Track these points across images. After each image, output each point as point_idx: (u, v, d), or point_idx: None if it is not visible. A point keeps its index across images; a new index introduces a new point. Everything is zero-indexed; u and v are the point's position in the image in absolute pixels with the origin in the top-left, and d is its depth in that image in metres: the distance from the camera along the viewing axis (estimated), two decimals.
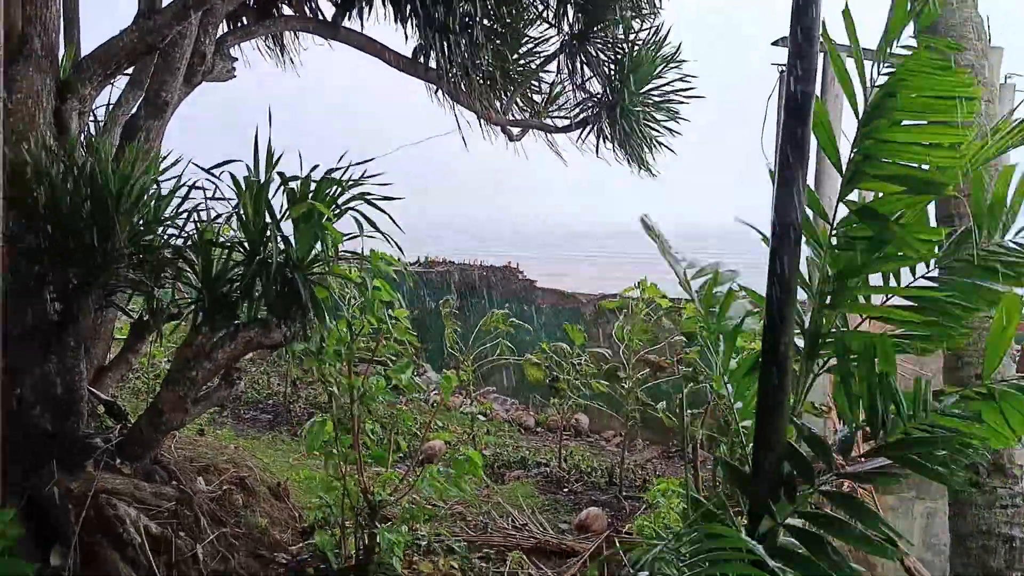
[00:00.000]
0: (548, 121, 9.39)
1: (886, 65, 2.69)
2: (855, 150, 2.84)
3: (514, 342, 9.90)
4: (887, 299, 3.21)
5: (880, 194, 2.99)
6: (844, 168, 2.90)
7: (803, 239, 2.81)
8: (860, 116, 2.79)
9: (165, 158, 5.59)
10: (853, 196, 3.04)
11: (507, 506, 7.07)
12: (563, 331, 9.68)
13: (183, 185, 5.17)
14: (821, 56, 4.47)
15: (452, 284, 14.01)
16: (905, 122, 2.76)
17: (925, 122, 2.80)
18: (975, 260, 3.01)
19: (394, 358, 5.76)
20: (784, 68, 4.21)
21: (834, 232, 3.02)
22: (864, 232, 3.01)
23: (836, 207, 2.98)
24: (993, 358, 3.08)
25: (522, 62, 8.83)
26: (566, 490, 8.27)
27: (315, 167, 4.85)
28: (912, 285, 3.14)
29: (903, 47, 2.74)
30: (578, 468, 8.99)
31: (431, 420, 6.29)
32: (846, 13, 2.73)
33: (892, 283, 3.23)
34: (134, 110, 5.85)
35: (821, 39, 2.81)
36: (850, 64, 2.82)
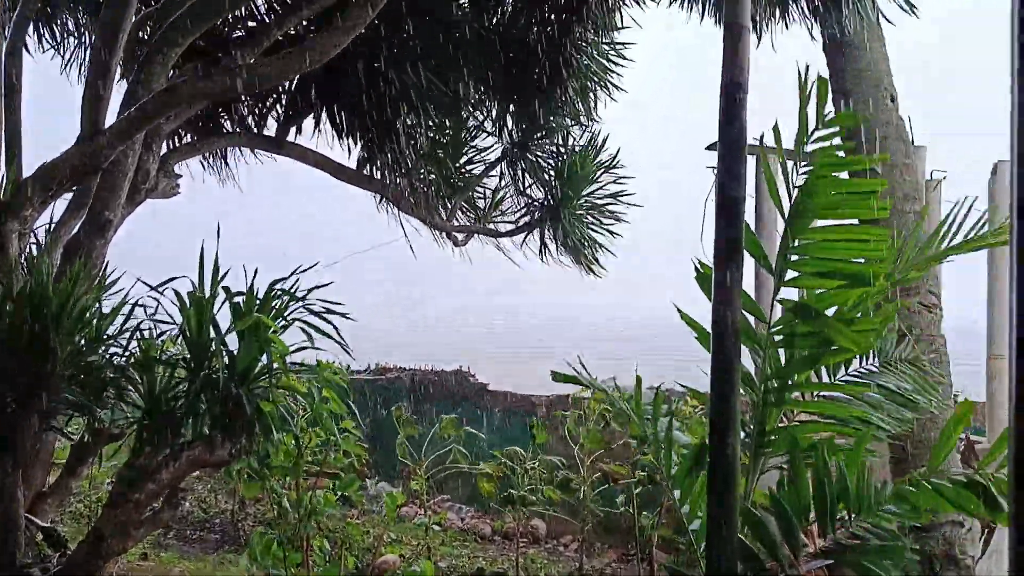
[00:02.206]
0: (492, 226, 9.54)
1: (804, 166, 2.80)
2: (784, 249, 2.93)
3: (468, 447, 9.79)
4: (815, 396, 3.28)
5: (817, 291, 3.07)
6: (774, 267, 2.98)
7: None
8: (786, 217, 2.89)
9: (108, 276, 5.56)
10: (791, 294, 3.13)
11: None
12: (517, 434, 9.60)
13: (126, 303, 5.12)
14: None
15: (404, 390, 13.89)
16: (824, 221, 2.88)
17: (844, 221, 2.91)
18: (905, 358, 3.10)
19: (343, 471, 5.67)
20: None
21: (773, 331, 3.08)
22: (803, 328, 3.08)
23: (772, 306, 3.05)
24: (939, 455, 3.16)
25: (465, 170, 9.02)
26: None
27: (257, 272, 4.86)
28: (841, 380, 3.21)
29: (825, 151, 2.87)
30: None
31: (383, 534, 6.15)
32: (775, 129, 2.86)
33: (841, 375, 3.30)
34: (76, 229, 5.82)
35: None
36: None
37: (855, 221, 3.06)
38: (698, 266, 3.03)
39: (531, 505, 9.12)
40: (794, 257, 2.95)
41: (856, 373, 3.27)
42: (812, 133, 2.77)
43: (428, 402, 13.68)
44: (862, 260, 3.01)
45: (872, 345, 3.17)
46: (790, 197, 2.87)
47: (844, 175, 2.89)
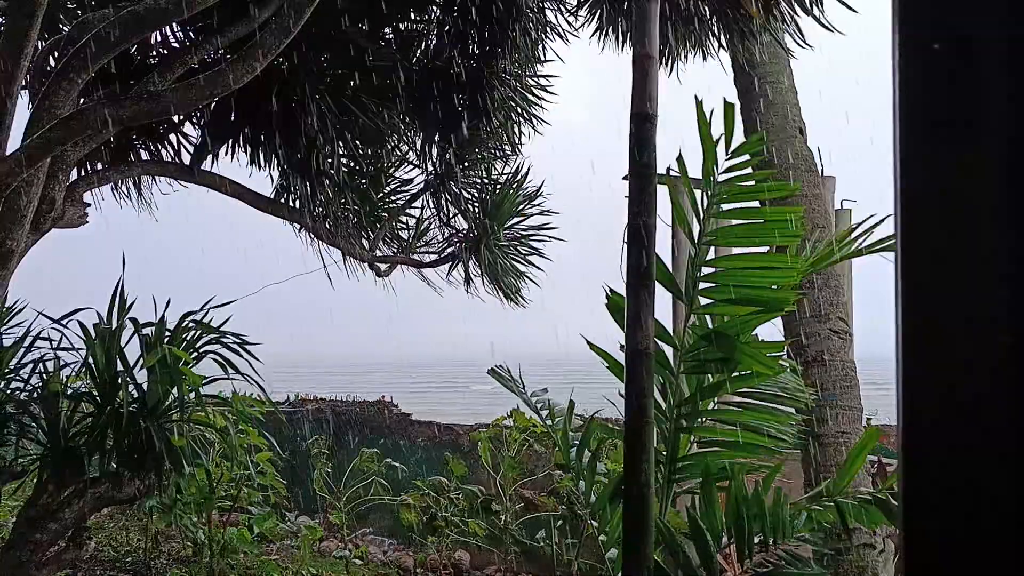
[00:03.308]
0: (416, 256, 9.49)
1: (711, 196, 2.85)
2: (694, 277, 2.97)
3: (391, 479, 9.66)
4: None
5: (726, 317, 3.12)
6: (684, 295, 3.02)
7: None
8: (695, 245, 2.93)
9: (10, 308, 5.36)
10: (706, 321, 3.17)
11: None
12: (441, 464, 9.50)
13: (28, 335, 4.95)
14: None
15: (324, 422, 13.66)
16: (734, 249, 2.93)
17: (754, 249, 2.97)
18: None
19: (260, 506, 5.54)
20: None
21: (683, 357, 3.11)
22: (714, 355, 3.12)
23: (683, 333, 3.08)
24: (845, 476, 3.23)
25: (388, 200, 8.97)
26: None
27: (169, 303, 4.75)
28: (726, 407, 3.26)
29: (739, 180, 2.93)
30: None
31: (300, 569, 6.02)
32: (680, 159, 2.90)
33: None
34: None
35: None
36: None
37: (765, 249, 3.12)
38: (608, 293, 3.05)
39: (455, 528, 9.03)
40: (704, 285, 2.99)
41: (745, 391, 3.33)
42: (720, 162, 2.82)
43: (350, 433, 13.47)
44: (774, 287, 3.07)
45: (781, 369, 3.23)
46: (700, 226, 2.91)
47: (755, 203, 2.95)
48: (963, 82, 0.76)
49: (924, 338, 0.77)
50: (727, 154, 2.80)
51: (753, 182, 2.94)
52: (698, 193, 2.97)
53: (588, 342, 3.22)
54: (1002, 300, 0.74)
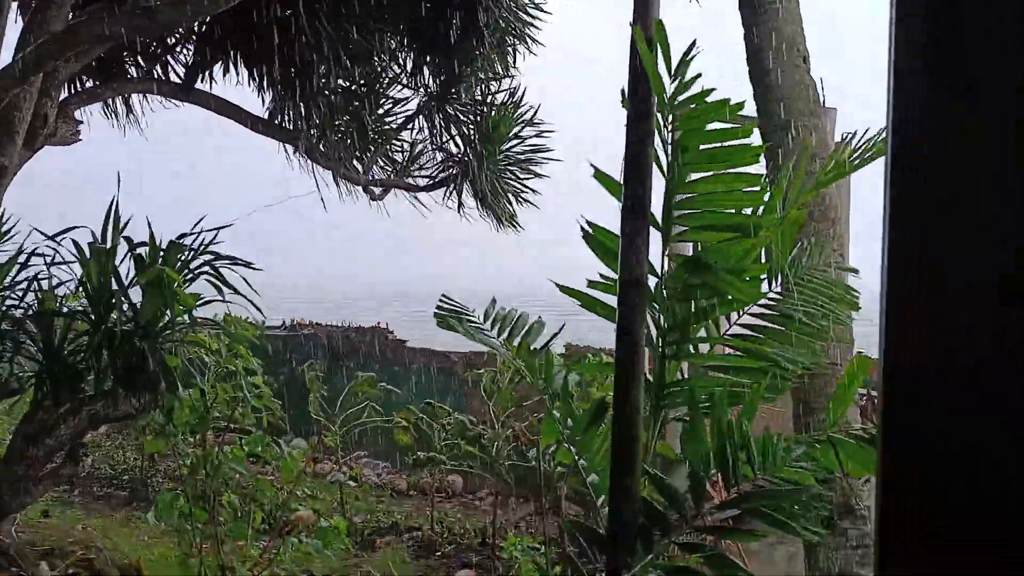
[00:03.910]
0: (410, 180, 9.43)
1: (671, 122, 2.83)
2: (666, 205, 2.96)
3: (386, 404, 9.75)
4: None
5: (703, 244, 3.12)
6: (661, 222, 3.01)
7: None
8: (664, 172, 2.91)
9: (4, 225, 5.34)
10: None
11: (377, 575, 6.90)
12: (436, 390, 9.59)
13: (23, 252, 4.94)
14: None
15: (319, 347, 13.74)
16: (697, 175, 2.91)
17: (715, 172, 2.95)
18: (788, 311, 3.16)
19: (253, 428, 5.60)
20: None
21: (667, 285, 3.11)
22: (697, 281, 3.13)
23: (663, 260, 3.08)
24: (837, 410, 3.25)
25: (381, 123, 8.86)
26: (439, 554, 8.15)
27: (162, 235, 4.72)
28: (730, 334, 3.27)
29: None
30: (451, 531, 8.87)
31: (291, 489, 6.13)
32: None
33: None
34: None
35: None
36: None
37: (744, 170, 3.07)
38: (585, 226, 3.05)
39: (443, 464, 9.14)
40: (678, 212, 2.98)
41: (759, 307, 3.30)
42: (667, 88, 2.78)
43: (345, 358, 13.56)
44: (748, 211, 3.06)
45: (761, 295, 3.22)
46: (668, 154, 2.89)
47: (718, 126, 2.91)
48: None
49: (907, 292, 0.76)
50: (671, 79, 2.75)
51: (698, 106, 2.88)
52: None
53: (558, 285, 3.22)
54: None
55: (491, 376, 8.24)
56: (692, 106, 2.82)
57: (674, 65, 2.79)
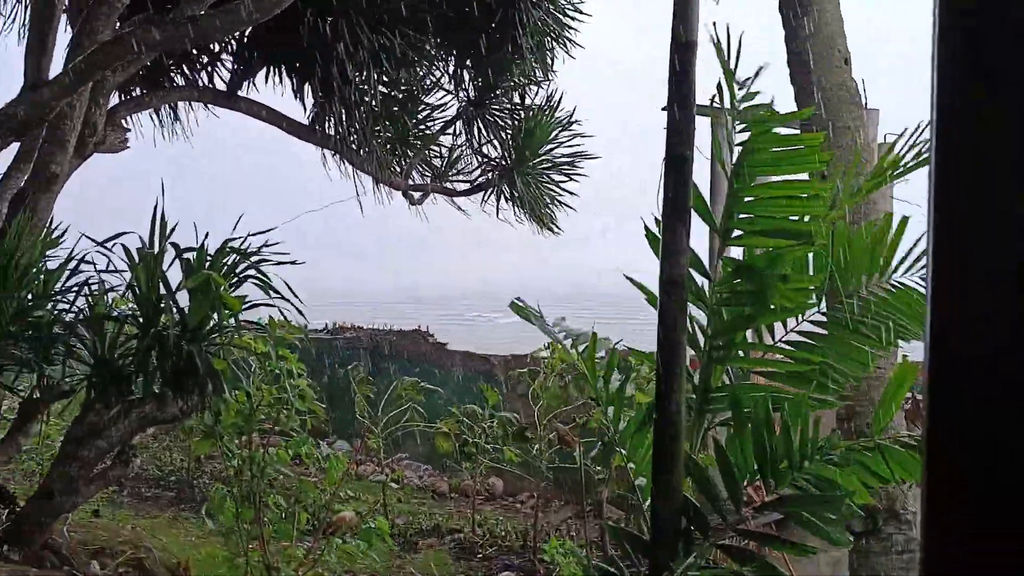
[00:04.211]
0: (448, 185, 9.49)
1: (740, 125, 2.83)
2: (728, 208, 2.95)
3: (427, 406, 9.81)
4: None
5: (758, 250, 3.11)
6: (719, 226, 3.01)
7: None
8: (729, 176, 2.91)
9: (55, 232, 5.47)
10: (735, 253, 3.16)
11: None
12: (475, 393, 9.62)
13: (73, 258, 5.05)
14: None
15: (361, 349, 13.86)
16: (762, 178, 2.90)
17: (780, 177, 2.94)
18: (844, 322, 3.13)
19: (297, 430, 5.67)
20: None
21: (716, 289, 3.11)
22: (746, 287, 3.12)
23: (716, 265, 3.08)
24: (885, 416, 3.21)
25: (421, 127, 8.94)
26: (480, 556, 8.18)
27: (207, 235, 4.82)
28: (785, 340, 3.25)
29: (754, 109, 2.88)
30: (492, 533, 8.90)
31: (334, 490, 6.20)
32: (720, 89, 2.87)
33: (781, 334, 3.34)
34: (23, 184, 5.70)
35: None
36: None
37: (803, 177, 3.08)
38: (648, 226, 3.05)
39: (486, 454, 9.18)
40: (738, 216, 2.98)
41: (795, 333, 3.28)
42: (737, 95, 2.78)
43: (386, 361, 13.66)
44: (803, 218, 3.04)
45: (811, 304, 3.21)
46: (731, 156, 2.89)
47: (784, 131, 2.90)
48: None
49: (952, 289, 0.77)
50: (738, 84, 2.77)
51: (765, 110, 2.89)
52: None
53: (628, 278, 3.22)
54: None
55: (532, 377, 8.26)
56: (760, 111, 2.82)
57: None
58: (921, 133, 3.07)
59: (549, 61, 8.64)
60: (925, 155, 3.00)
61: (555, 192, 9.11)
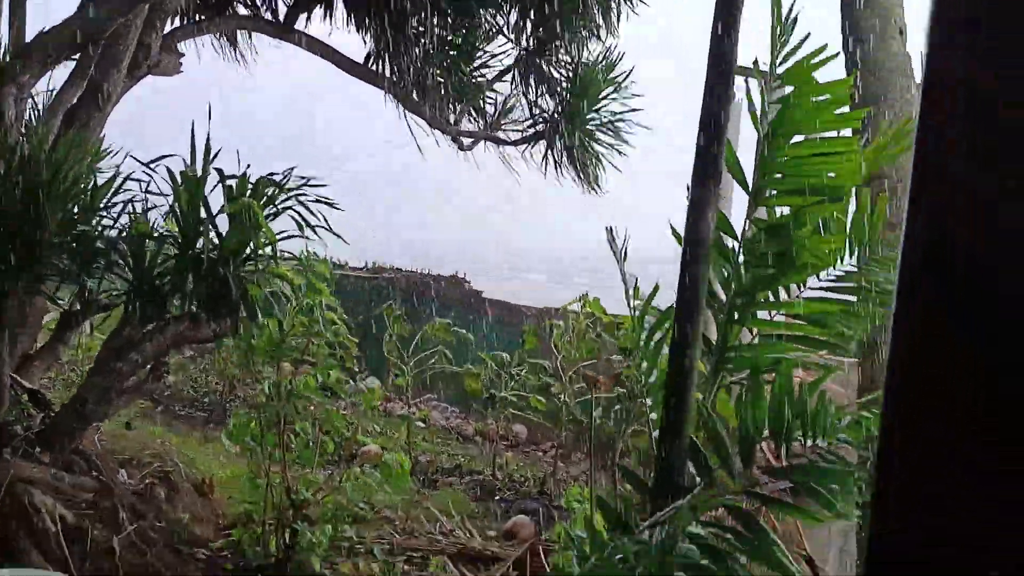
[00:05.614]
0: (500, 134, 9.46)
1: (776, 85, 2.81)
2: (758, 168, 2.95)
3: (457, 351, 9.93)
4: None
5: (785, 209, 3.11)
6: (750, 186, 3.01)
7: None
8: (761, 136, 2.90)
9: (104, 149, 5.58)
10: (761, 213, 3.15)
11: (436, 512, 7.10)
12: (507, 341, 9.69)
13: (119, 176, 5.16)
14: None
15: (398, 290, 13.99)
16: (797, 137, 2.89)
17: (815, 136, 2.93)
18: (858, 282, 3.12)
19: (329, 360, 5.78)
20: None
21: (743, 247, 3.12)
22: (772, 247, 3.12)
23: (744, 225, 3.08)
24: None
25: (476, 74, 8.91)
26: (497, 498, 8.32)
27: (248, 166, 4.89)
28: (803, 298, 3.25)
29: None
30: (511, 478, 9.04)
31: (358, 422, 6.34)
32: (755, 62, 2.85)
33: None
34: (76, 100, 5.82)
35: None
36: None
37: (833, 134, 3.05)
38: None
39: (511, 406, 9.30)
40: (765, 175, 2.97)
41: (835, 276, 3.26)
42: (779, 53, 2.76)
43: (421, 304, 13.79)
44: (831, 175, 3.03)
45: (832, 261, 3.20)
46: (764, 115, 2.88)
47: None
48: None
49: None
50: (780, 44, 2.75)
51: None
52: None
53: (673, 228, 3.23)
54: None
55: (561, 330, 8.30)
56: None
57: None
58: None
59: (615, 16, 8.54)
60: None
61: (604, 150, 9.04)
